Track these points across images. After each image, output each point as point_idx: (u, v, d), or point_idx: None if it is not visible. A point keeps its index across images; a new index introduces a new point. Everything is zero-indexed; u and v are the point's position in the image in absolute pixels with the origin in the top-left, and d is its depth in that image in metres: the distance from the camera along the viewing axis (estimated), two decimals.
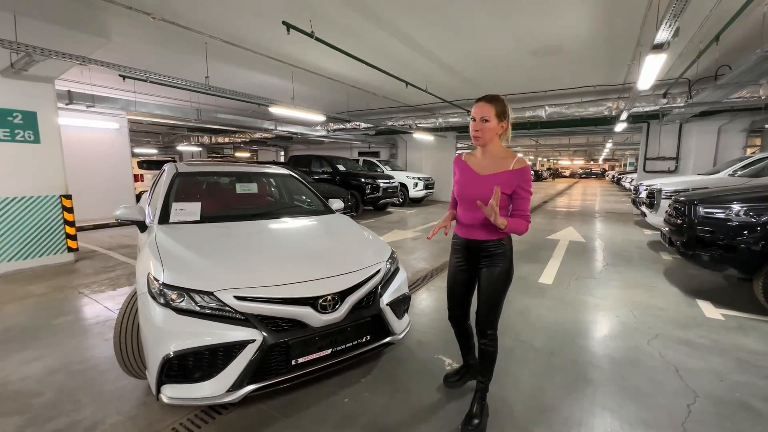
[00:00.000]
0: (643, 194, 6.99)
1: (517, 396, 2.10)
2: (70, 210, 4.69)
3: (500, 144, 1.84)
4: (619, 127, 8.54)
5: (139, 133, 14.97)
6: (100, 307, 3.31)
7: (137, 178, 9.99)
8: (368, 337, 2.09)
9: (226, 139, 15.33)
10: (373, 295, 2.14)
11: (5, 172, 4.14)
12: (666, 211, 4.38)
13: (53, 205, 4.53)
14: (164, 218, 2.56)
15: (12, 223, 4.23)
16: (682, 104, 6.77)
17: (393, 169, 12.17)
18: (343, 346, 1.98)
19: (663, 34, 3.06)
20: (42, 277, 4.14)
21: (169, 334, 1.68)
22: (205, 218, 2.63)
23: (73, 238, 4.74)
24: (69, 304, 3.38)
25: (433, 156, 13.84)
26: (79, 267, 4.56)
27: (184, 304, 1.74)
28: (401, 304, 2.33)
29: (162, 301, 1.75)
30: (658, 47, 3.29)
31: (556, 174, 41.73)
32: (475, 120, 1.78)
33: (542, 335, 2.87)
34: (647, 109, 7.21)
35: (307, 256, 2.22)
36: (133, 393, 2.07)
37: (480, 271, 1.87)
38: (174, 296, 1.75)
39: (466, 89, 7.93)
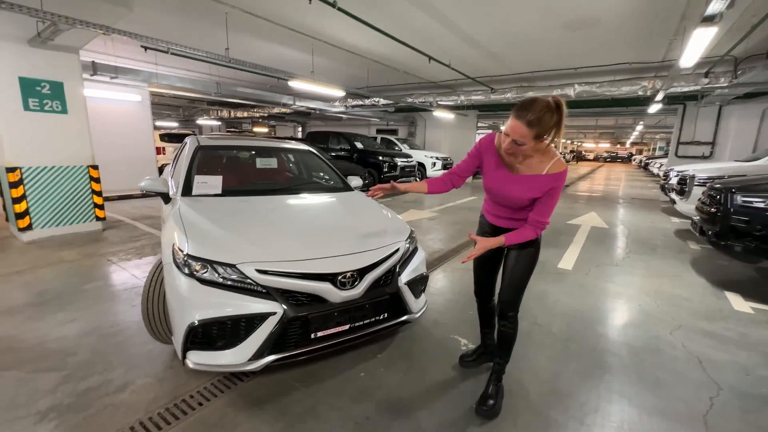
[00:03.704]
0: (674, 180, 6.67)
1: (532, 379, 2.10)
2: (97, 180, 4.83)
3: (541, 145, 1.59)
4: (654, 108, 8.07)
5: (160, 106, 15.15)
6: (127, 274, 3.44)
7: (159, 150, 10.18)
8: (385, 315, 2.11)
9: (245, 114, 15.35)
10: (392, 274, 2.14)
11: (37, 141, 4.27)
12: (699, 199, 4.17)
13: (81, 175, 4.67)
14: (187, 191, 2.60)
15: (44, 192, 4.40)
16: (725, 84, 6.30)
17: (411, 148, 11.99)
18: (361, 323, 2.00)
19: (716, 5, 2.79)
20: (72, 244, 4.33)
21: (194, 303, 1.73)
22: (226, 192, 2.66)
23: (101, 207, 4.91)
24: (98, 270, 3.53)
25: (453, 135, 13.52)
26: (106, 236, 4.74)
27: (208, 275, 1.78)
28: (419, 284, 2.33)
29: (186, 271, 1.79)
30: (709, 20, 3.02)
31: (579, 157, 40.24)
32: (508, 136, 1.54)
33: (560, 320, 2.83)
34: (686, 89, 6.74)
35: (326, 233, 2.22)
36: (160, 357, 2.17)
37: (507, 252, 1.83)
38: (198, 267, 1.79)
39: (491, 65, 7.59)
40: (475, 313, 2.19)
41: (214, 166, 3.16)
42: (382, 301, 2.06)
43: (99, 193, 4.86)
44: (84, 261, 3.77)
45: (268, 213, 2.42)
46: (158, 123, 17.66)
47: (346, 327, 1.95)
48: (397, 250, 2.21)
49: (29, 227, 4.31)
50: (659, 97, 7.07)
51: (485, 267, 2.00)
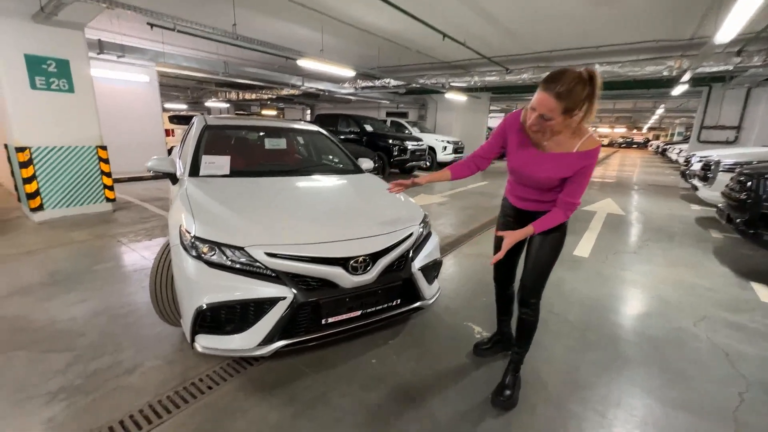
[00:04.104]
0: (697, 166, 6.40)
1: (550, 370, 2.03)
2: (106, 161, 4.80)
3: (570, 122, 1.44)
4: (678, 90, 7.69)
5: (168, 87, 15.05)
6: (137, 255, 3.43)
7: (168, 132, 10.14)
8: (398, 301, 2.04)
9: (253, 96, 15.17)
10: (405, 259, 2.06)
11: (45, 121, 4.23)
12: (727, 185, 3.97)
13: (90, 156, 4.64)
14: (194, 171, 2.53)
15: (54, 172, 4.38)
16: (759, 63, 5.92)
17: (421, 131, 11.73)
18: (373, 309, 1.94)
19: None
20: (83, 224, 4.34)
21: (202, 286, 1.68)
22: (234, 173, 2.59)
23: (110, 188, 4.90)
24: (108, 251, 3.53)
25: (464, 118, 13.20)
26: (116, 217, 4.74)
27: (216, 257, 1.72)
28: (432, 270, 2.25)
29: (194, 253, 1.73)
30: None
31: None
32: (534, 110, 1.40)
33: (577, 309, 2.74)
34: (715, 69, 6.37)
35: (338, 216, 2.14)
36: (170, 339, 2.15)
37: (531, 236, 1.72)
38: (205, 249, 1.73)
39: (508, 43, 7.27)
40: (489, 300, 2.12)
41: (221, 146, 3.08)
42: (395, 287, 1.99)
43: (108, 174, 4.84)
44: (94, 242, 3.78)
45: (277, 195, 2.34)
46: (167, 105, 17.61)
47: (358, 313, 1.89)
48: (411, 234, 2.12)
49: (40, 207, 4.32)
50: (686, 77, 6.70)
51: (507, 251, 1.89)
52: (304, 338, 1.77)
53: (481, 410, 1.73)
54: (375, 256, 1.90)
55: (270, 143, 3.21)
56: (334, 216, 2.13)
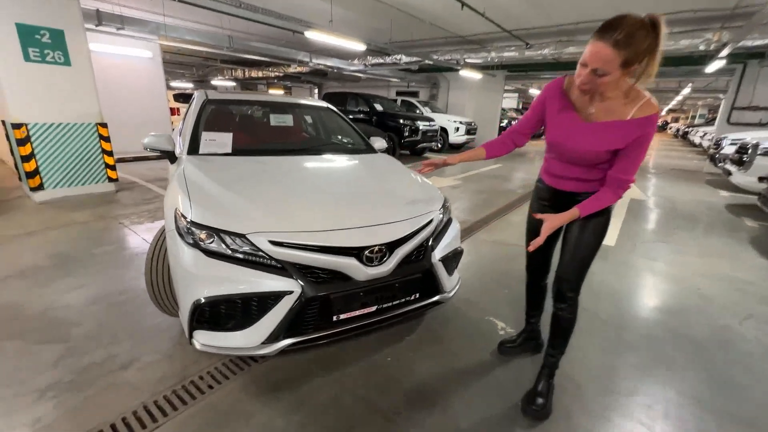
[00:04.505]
0: (729, 149, 5.99)
1: (584, 374, 1.83)
2: (107, 139, 4.61)
3: (623, 83, 1.25)
4: (713, 66, 7.12)
5: (173, 64, 14.71)
6: (139, 239, 3.28)
7: (173, 111, 9.92)
8: (417, 295, 1.83)
9: (260, 74, 14.75)
10: (424, 249, 1.85)
11: (41, 96, 4.02)
12: None
13: (90, 133, 4.45)
14: (193, 149, 2.33)
15: (53, 150, 4.21)
16: None
17: (432, 111, 11.29)
18: (390, 304, 1.74)
19: None
20: (85, 205, 4.19)
21: (199, 277, 1.49)
22: (237, 151, 2.38)
23: (112, 168, 4.73)
24: (109, 234, 3.38)
25: (477, 98, 12.67)
26: (119, 197, 4.59)
27: (214, 245, 1.52)
28: (453, 260, 2.04)
29: (190, 240, 1.54)
30: None
31: None
32: (586, 66, 1.18)
33: (608, 304, 2.52)
34: (758, 42, 5.83)
35: (350, 200, 1.92)
36: (169, 332, 1.99)
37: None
38: (203, 236, 1.53)
39: (530, 13, 6.76)
40: (512, 293, 1.92)
41: (223, 122, 2.86)
42: (414, 280, 1.78)
43: (110, 153, 4.67)
44: (95, 223, 3.63)
45: (283, 176, 2.12)
46: (172, 84, 17.30)
47: (373, 308, 1.69)
48: (431, 221, 1.90)
49: (41, 187, 4.18)
50: (724, 52, 6.15)
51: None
52: (312, 336, 1.59)
53: (511, 419, 1.54)
54: (392, 246, 1.69)
55: (276, 120, 2.97)
56: (346, 200, 1.91)
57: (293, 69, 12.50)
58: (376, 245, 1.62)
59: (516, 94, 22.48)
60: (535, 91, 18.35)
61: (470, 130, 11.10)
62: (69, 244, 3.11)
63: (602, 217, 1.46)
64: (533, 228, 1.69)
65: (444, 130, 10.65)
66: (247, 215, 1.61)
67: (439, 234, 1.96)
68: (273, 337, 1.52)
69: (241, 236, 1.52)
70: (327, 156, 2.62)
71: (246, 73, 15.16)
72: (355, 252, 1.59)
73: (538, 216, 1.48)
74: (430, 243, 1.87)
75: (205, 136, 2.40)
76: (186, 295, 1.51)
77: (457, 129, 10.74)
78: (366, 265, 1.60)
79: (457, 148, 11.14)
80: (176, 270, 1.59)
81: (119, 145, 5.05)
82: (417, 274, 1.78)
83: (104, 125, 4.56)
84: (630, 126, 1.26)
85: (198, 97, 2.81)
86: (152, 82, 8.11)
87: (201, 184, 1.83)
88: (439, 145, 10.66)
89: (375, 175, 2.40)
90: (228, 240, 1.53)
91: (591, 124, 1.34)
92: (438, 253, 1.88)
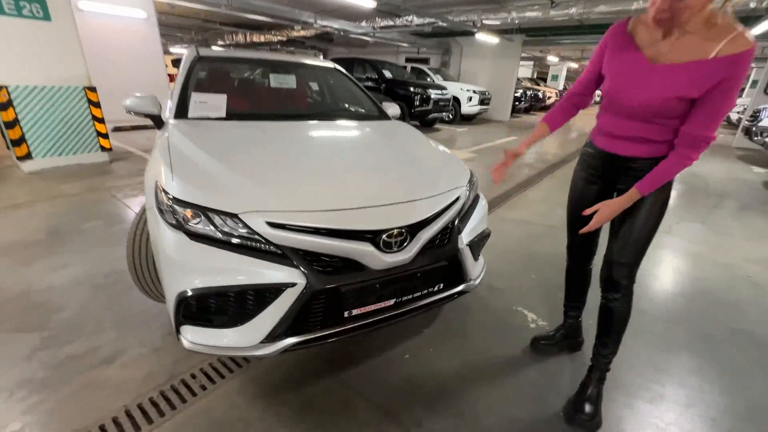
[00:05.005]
0: None
1: (633, 377, 1.59)
2: (97, 105, 4.28)
3: (705, 13, 0.97)
4: (762, 27, 6.46)
5: (170, 27, 13.98)
6: (132, 213, 3.05)
7: (172, 78, 9.43)
8: (441, 286, 1.57)
9: (262, 38, 13.99)
10: (449, 231, 1.56)
11: (19, 54, 3.66)
12: None
13: (77, 98, 4.11)
14: (181, 112, 2.02)
15: (39, 116, 3.90)
16: None
17: (444, 79, 10.64)
18: (410, 296, 1.48)
19: None
20: (76, 175, 3.94)
21: (184, 265, 1.23)
22: (231, 115, 2.06)
23: (105, 136, 4.43)
24: (100, 207, 3.14)
25: (492, 66, 11.92)
26: (113, 168, 4.32)
27: (201, 227, 1.25)
28: (480, 244, 1.76)
29: (172, 220, 1.27)
30: None
31: None
32: None
33: (650, 294, 2.25)
34: None
35: (364, 173, 1.62)
36: (158, 320, 1.77)
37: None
38: (188, 215, 1.26)
39: None
40: (541, 278, 1.68)
41: (217, 83, 2.52)
42: (438, 268, 1.51)
43: (101, 120, 4.35)
44: (86, 195, 3.39)
45: (285, 145, 1.81)
46: (172, 50, 16.59)
47: (391, 302, 1.44)
48: (457, 198, 1.61)
49: (29, 156, 3.91)
50: None
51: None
52: (319, 335, 1.34)
53: (552, 429, 1.32)
54: (414, 228, 1.41)
55: (276, 80, 2.61)
56: (358, 173, 1.61)
57: (297, 33, 11.78)
58: (395, 228, 1.34)
59: (531, 63, 21.28)
60: (553, 58, 17.27)
61: (484, 100, 10.49)
62: (57, 218, 2.88)
63: (663, 192, 1.19)
64: (578, 202, 1.41)
65: (456, 99, 10.06)
66: (240, 191, 1.33)
67: (465, 214, 1.67)
68: (272, 336, 1.27)
69: (233, 216, 1.24)
70: (336, 122, 2.31)
71: (248, 37, 14.38)
72: (371, 236, 1.31)
73: (588, 212, 1.24)
74: (456, 224, 1.59)
75: (195, 98, 2.08)
76: (170, 285, 1.27)
77: (470, 99, 10.14)
78: (384, 252, 1.33)
79: (468, 119, 10.58)
80: (158, 254, 1.34)
81: (115, 114, 4.71)
82: (442, 262, 1.51)
83: (93, 89, 4.21)
84: (713, 66, 0.96)
85: (188, 55, 2.45)
86: (148, 46, 7.60)
87: (187, 153, 1.54)
88: (451, 116, 10.11)
89: (391, 145, 2.08)
90: (217, 220, 1.25)
91: (660, 65, 1.05)
92: (465, 237, 1.60)
